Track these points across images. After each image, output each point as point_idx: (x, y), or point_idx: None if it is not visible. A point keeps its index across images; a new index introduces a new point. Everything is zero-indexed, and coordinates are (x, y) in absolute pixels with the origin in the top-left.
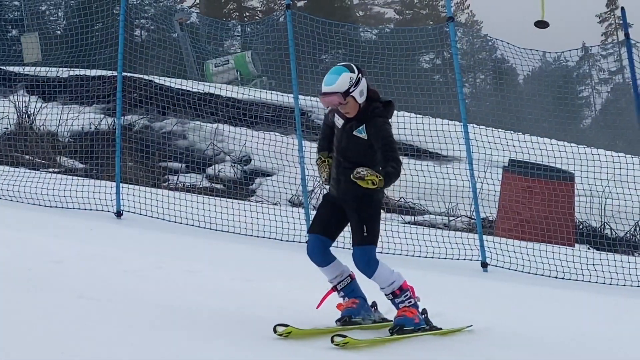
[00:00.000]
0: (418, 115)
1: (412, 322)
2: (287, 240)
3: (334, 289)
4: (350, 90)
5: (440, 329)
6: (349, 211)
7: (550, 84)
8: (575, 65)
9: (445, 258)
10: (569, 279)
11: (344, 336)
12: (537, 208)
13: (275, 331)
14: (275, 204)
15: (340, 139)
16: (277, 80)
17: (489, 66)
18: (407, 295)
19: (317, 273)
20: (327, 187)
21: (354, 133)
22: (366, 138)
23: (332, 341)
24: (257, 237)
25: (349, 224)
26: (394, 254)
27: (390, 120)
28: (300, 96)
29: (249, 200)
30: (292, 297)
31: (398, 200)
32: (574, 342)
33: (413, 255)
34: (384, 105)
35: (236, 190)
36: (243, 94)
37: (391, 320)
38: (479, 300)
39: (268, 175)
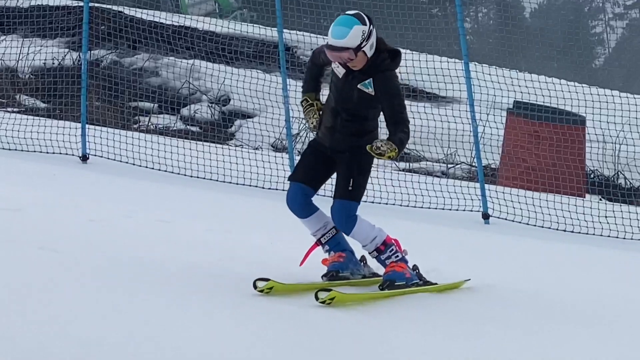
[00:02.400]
0: (414, 52)
1: (402, 277)
2: (270, 189)
3: (318, 243)
4: (362, 46)
5: (436, 284)
6: (339, 162)
7: (559, 19)
8: None
9: (443, 209)
10: (579, 233)
11: (330, 290)
12: (545, 155)
13: (255, 287)
14: (257, 148)
15: (342, 90)
16: (259, 12)
17: None
18: (392, 249)
19: (300, 224)
20: (315, 133)
21: (359, 86)
22: (373, 94)
23: (316, 298)
24: (237, 184)
25: (334, 175)
26: (386, 203)
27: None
28: (285, 30)
29: (228, 144)
30: (274, 251)
31: None
32: (584, 302)
33: (407, 206)
34: (391, 56)
35: (213, 133)
36: (222, 27)
37: (382, 276)
38: (479, 255)
39: (249, 117)
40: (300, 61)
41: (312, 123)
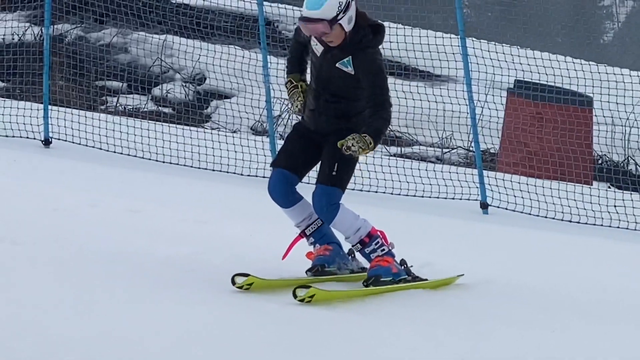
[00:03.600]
0: (406, 27)
1: (389, 272)
2: (249, 175)
3: (302, 234)
4: (339, 18)
5: (426, 279)
6: (326, 145)
7: None
8: None
9: (438, 197)
10: (586, 223)
11: (308, 287)
12: (548, 139)
13: (233, 282)
14: (235, 131)
15: (320, 69)
16: None
17: None
18: (377, 242)
19: (282, 214)
20: (300, 116)
21: (338, 65)
22: (353, 73)
23: (294, 295)
24: (213, 170)
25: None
26: (376, 191)
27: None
28: (265, 2)
29: (203, 126)
30: (254, 243)
31: None
32: (590, 297)
33: (399, 194)
34: (373, 32)
35: (188, 115)
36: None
37: None
38: (477, 248)
39: (226, 98)
40: (283, 37)
41: (296, 106)
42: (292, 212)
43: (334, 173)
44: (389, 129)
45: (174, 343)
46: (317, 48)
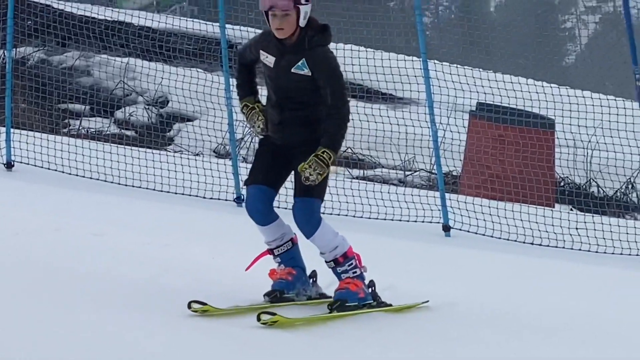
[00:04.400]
0: (369, 50)
1: (355, 297)
2: (212, 198)
3: (271, 252)
4: (302, 2)
5: (390, 305)
6: (295, 157)
7: (527, 13)
8: None
9: (401, 220)
10: (547, 246)
11: (273, 314)
12: (510, 161)
13: (189, 307)
14: (198, 154)
15: (277, 80)
16: (200, 6)
17: None
18: (351, 264)
19: (246, 237)
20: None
21: (293, 70)
22: (310, 74)
23: (258, 319)
24: (176, 193)
25: (292, 174)
26: (338, 214)
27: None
28: (228, 25)
29: (166, 149)
30: (216, 266)
31: (344, 152)
32: (554, 320)
33: (362, 217)
34: (321, 31)
35: (150, 137)
36: (159, 22)
37: (330, 297)
38: (440, 271)
39: (188, 120)
40: None
41: (258, 126)
42: (267, 229)
43: (313, 184)
44: (351, 151)
45: None
46: (269, 60)
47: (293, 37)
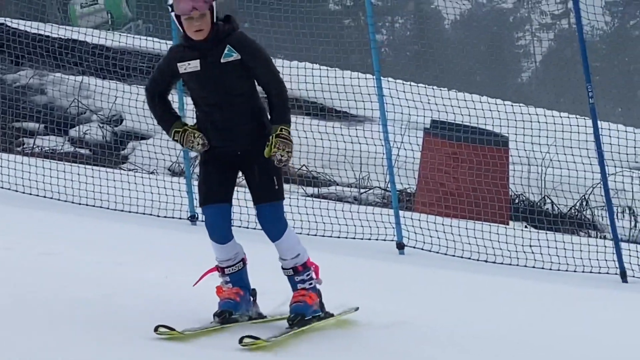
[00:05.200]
0: (323, 67)
1: (311, 310)
2: (165, 217)
3: (220, 270)
4: (213, 2)
5: (333, 314)
6: (249, 162)
7: (482, 30)
8: (512, 8)
9: (355, 238)
10: (501, 264)
11: (256, 338)
12: (464, 178)
13: (155, 330)
14: (152, 172)
15: (209, 78)
16: (155, 24)
17: (409, 8)
18: (309, 274)
19: (200, 255)
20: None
21: (223, 60)
22: (240, 57)
23: (240, 342)
24: (129, 212)
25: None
26: None
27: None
28: None
29: (121, 168)
30: (169, 285)
31: (299, 169)
32: (507, 338)
33: (316, 235)
34: (228, 21)
35: (105, 156)
36: (114, 40)
37: (266, 317)
38: (393, 288)
39: (143, 139)
40: None
41: (198, 143)
42: (225, 248)
43: (276, 187)
44: (305, 169)
45: None
46: (193, 65)
47: (208, 34)
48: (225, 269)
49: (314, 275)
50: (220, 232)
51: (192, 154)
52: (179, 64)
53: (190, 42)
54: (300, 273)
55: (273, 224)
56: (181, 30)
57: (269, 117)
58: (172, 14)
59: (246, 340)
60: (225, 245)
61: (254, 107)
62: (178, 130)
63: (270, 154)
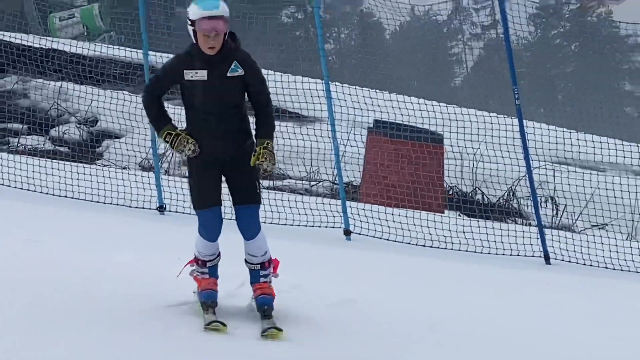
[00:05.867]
0: (277, 73)
1: (273, 301)
2: (137, 207)
3: (201, 262)
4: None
5: None
6: (237, 167)
7: (419, 39)
8: (446, 20)
9: (307, 225)
10: (438, 248)
11: (279, 329)
12: (404, 172)
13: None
14: (124, 168)
15: (213, 88)
16: (126, 35)
17: (354, 21)
18: (271, 269)
19: (168, 242)
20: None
21: (229, 74)
22: (243, 73)
23: (264, 332)
24: (104, 203)
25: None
26: None
27: None
28: (150, 52)
29: (96, 164)
30: (141, 268)
31: (259, 164)
32: (444, 312)
33: (271, 223)
34: (234, 39)
35: (82, 153)
36: (89, 49)
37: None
38: (341, 271)
39: (116, 137)
40: None
41: (189, 149)
42: (213, 245)
43: (258, 191)
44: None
45: None
46: (200, 74)
47: (219, 50)
48: (207, 262)
49: (274, 270)
50: (215, 233)
51: (160, 151)
52: (185, 71)
53: (199, 54)
54: (265, 269)
55: (250, 225)
56: (193, 41)
57: (256, 130)
58: (190, 27)
59: (271, 331)
60: (214, 243)
61: (243, 118)
62: (171, 133)
63: (255, 163)
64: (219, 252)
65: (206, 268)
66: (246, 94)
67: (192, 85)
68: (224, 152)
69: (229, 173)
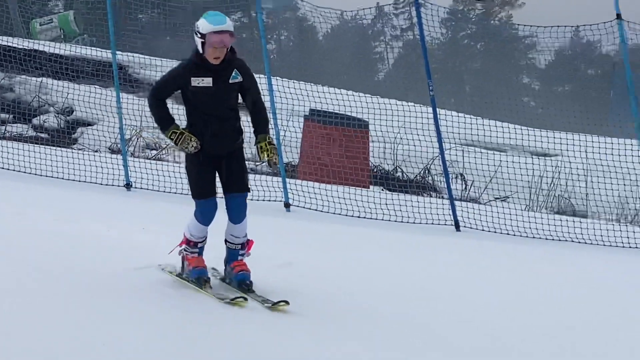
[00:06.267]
0: None
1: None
2: (107, 185)
3: (191, 243)
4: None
5: None
6: (230, 161)
7: (347, 40)
8: (370, 23)
9: (252, 199)
10: (364, 217)
11: (286, 302)
12: (335, 153)
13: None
14: (96, 151)
15: (217, 93)
16: (97, 37)
17: (292, 24)
18: (246, 248)
19: (134, 214)
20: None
21: (231, 81)
22: (241, 80)
23: (276, 304)
24: (79, 181)
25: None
26: None
27: None
28: (118, 52)
29: (72, 148)
30: (111, 236)
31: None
32: (366, 271)
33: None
34: (232, 51)
35: (59, 138)
36: (66, 50)
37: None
38: (281, 237)
39: (89, 125)
40: (132, 78)
41: (192, 146)
42: (206, 229)
43: (247, 181)
44: None
45: (58, 329)
46: (206, 81)
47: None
48: (198, 244)
49: (247, 250)
50: (211, 218)
51: (127, 136)
52: (192, 78)
53: (204, 63)
54: (243, 249)
55: (240, 211)
56: (200, 52)
57: (256, 128)
58: (199, 39)
59: (282, 304)
60: (207, 227)
61: (237, 118)
62: (176, 132)
63: (268, 158)
64: (206, 237)
65: (197, 248)
66: (241, 96)
67: (198, 90)
68: (222, 149)
69: (224, 166)
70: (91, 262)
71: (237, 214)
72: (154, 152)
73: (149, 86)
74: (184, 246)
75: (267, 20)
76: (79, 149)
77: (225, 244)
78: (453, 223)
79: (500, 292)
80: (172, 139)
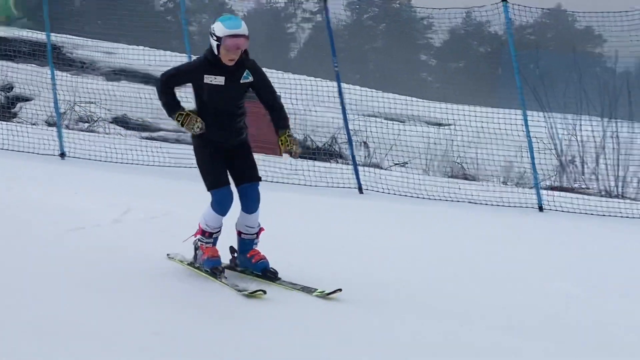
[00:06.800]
0: (152, 49)
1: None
2: (44, 154)
3: (208, 234)
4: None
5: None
6: (239, 154)
7: (263, 22)
8: (283, 7)
9: (184, 167)
10: (278, 182)
11: (315, 289)
12: (253, 126)
13: (250, 293)
14: (34, 124)
15: (229, 91)
16: (34, 20)
17: (212, 8)
18: (258, 237)
19: (67, 181)
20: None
21: (242, 81)
22: (252, 80)
23: (315, 291)
24: (19, 151)
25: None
26: (131, 163)
27: None
28: (52, 34)
29: (13, 121)
30: (48, 201)
31: (137, 120)
32: (278, 231)
33: (152, 165)
34: (244, 51)
35: (1, 113)
36: (6, 32)
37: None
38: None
39: (27, 100)
40: (65, 57)
41: (198, 127)
42: (221, 219)
43: (258, 171)
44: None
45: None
46: (218, 80)
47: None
48: (213, 234)
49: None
50: (227, 207)
51: (62, 110)
52: (206, 75)
53: (218, 62)
54: (257, 237)
55: (255, 201)
56: (215, 52)
57: (276, 123)
58: (214, 41)
59: (320, 290)
60: (223, 217)
61: (244, 113)
62: (182, 113)
63: (291, 150)
64: (221, 228)
65: (211, 238)
66: (258, 95)
67: (211, 88)
68: (229, 142)
69: (232, 157)
70: (31, 225)
71: (251, 204)
72: (87, 124)
73: (81, 64)
74: (198, 236)
75: (189, 4)
76: (18, 122)
77: (239, 235)
78: (357, 186)
79: (398, 246)
80: (178, 121)
